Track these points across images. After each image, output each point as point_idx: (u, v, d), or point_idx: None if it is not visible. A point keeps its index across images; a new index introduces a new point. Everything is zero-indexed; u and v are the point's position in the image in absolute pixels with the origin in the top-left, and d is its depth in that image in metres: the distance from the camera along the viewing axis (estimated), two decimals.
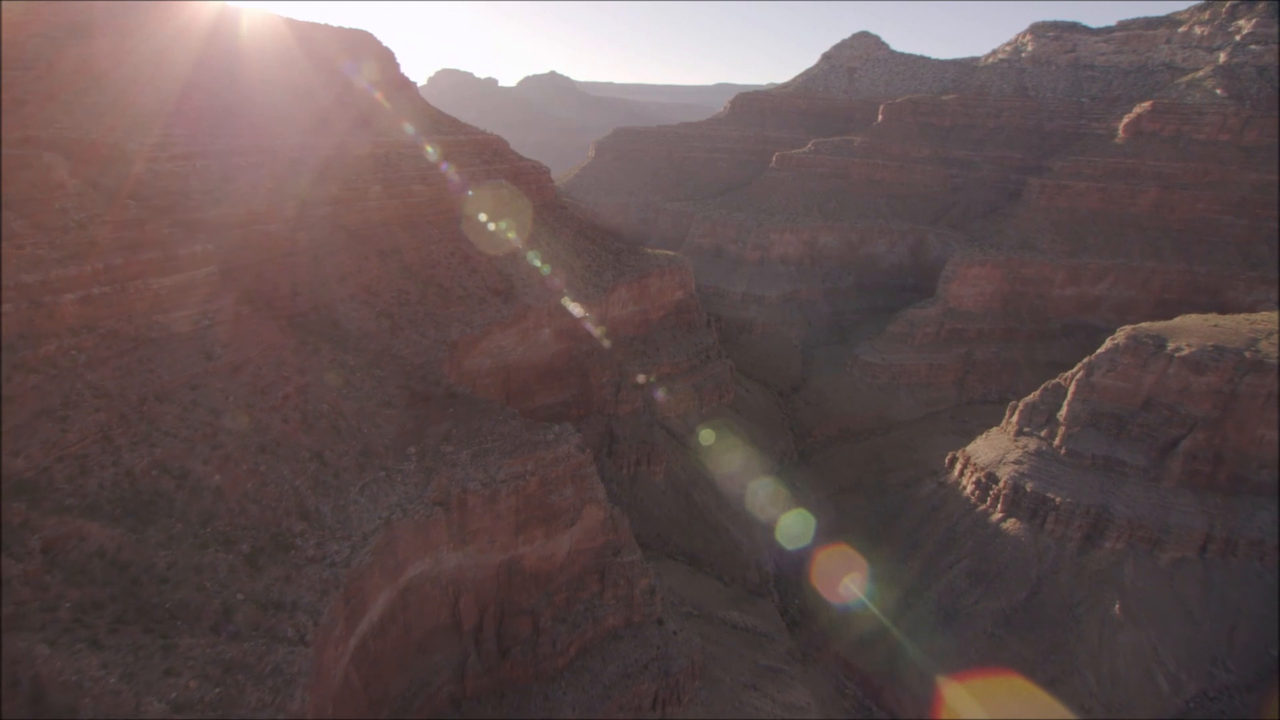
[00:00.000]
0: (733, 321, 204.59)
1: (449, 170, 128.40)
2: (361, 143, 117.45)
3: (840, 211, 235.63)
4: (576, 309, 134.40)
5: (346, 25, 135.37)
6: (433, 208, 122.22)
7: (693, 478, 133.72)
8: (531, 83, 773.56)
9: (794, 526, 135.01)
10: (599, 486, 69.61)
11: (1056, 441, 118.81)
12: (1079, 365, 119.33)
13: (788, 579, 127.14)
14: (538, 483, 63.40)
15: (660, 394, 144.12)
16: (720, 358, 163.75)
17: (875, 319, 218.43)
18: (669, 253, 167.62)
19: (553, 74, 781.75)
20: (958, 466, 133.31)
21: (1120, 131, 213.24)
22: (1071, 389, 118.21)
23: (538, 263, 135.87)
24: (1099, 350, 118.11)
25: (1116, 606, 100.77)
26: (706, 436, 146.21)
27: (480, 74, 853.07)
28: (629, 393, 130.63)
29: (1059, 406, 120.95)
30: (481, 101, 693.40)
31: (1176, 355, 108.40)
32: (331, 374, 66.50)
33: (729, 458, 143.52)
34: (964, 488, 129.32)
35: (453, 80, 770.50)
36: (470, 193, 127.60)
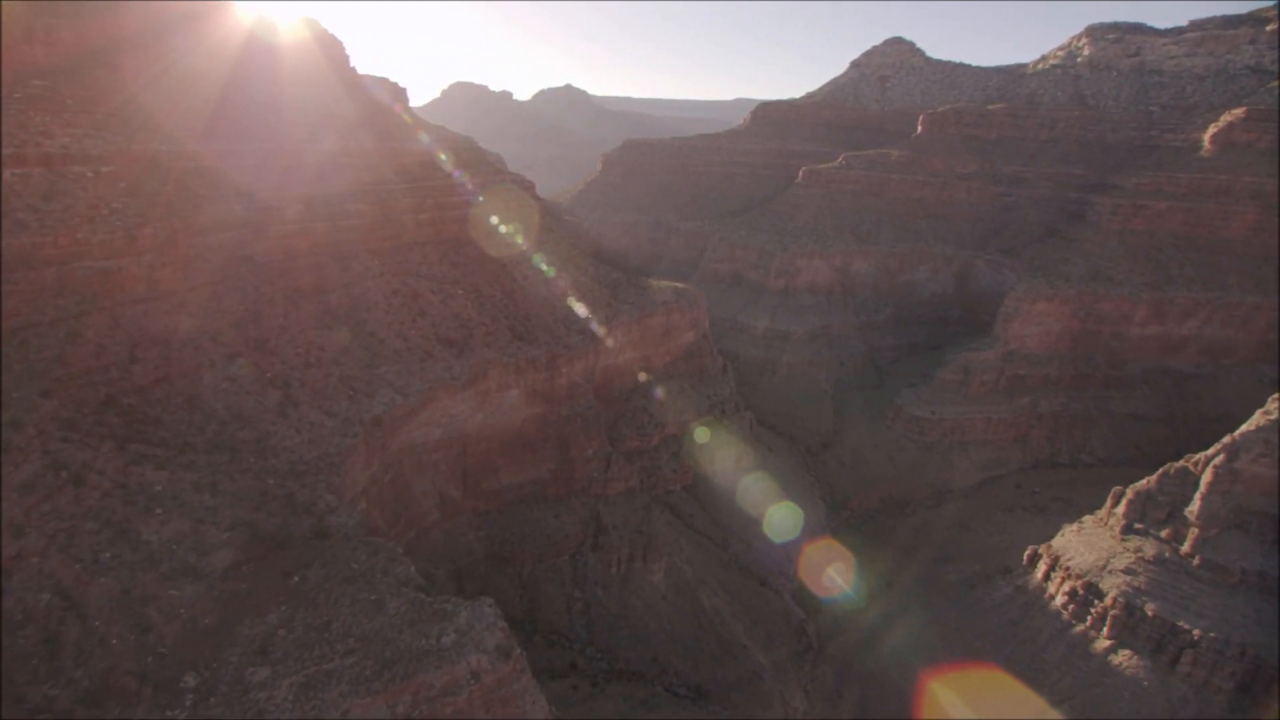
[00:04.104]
0: (752, 361, 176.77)
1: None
2: (284, 150, 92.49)
3: (875, 234, 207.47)
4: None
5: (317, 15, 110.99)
6: (375, 233, 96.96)
7: (701, 574, 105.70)
8: (546, 96, 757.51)
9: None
10: (539, 705, 42.10)
11: (1185, 547, 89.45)
12: (1217, 446, 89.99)
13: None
14: None
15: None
16: (738, 411, 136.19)
17: (916, 358, 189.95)
18: (678, 284, 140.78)
19: (568, 87, 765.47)
20: (1041, 567, 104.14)
21: (1206, 143, 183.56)
22: (1206, 477, 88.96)
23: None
24: (1245, 427, 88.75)
25: None
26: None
27: (495, 87, 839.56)
28: (621, 468, 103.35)
29: (1186, 499, 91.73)
30: (495, 115, 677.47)
31: None
32: (91, 521, 40.11)
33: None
34: (1051, 597, 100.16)
35: (467, 93, 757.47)
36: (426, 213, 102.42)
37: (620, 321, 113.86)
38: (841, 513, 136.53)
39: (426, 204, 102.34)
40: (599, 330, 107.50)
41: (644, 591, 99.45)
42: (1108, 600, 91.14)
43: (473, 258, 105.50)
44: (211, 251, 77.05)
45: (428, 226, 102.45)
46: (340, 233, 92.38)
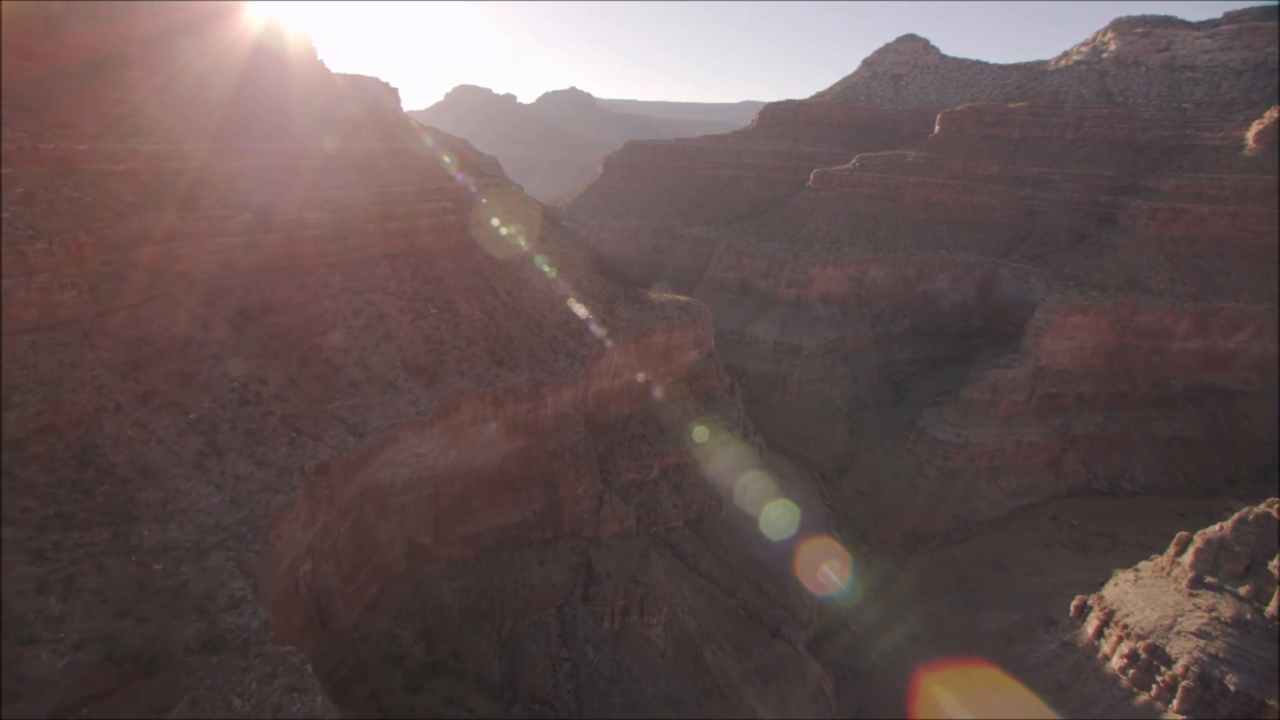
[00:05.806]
0: (761, 377, 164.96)
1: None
2: (233, 151, 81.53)
3: (892, 240, 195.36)
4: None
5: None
6: (337, 244, 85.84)
7: (706, 626, 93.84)
8: (550, 99, 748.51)
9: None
10: None
11: (1271, 608, 76.88)
12: None
13: None
14: None
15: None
16: (748, 435, 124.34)
17: (936, 373, 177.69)
18: (681, 297, 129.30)
19: (572, 90, 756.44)
20: (1092, 621, 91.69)
21: (1250, 141, 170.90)
22: None
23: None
24: None
25: None
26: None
27: (499, 90, 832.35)
28: (616, 507, 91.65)
29: (1269, 550, 79.19)
30: (499, 118, 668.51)
31: None
32: None
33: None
34: (1106, 658, 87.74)
35: (470, 96, 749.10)
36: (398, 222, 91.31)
37: (616, 341, 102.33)
38: (861, 547, 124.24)
39: (397, 211, 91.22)
40: (592, 349, 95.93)
41: (641, 649, 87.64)
42: (1178, 668, 78.79)
43: (450, 271, 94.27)
44: (133, 269, 65.96)
45: (398, 237, 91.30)
46: (295, 245, 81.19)
